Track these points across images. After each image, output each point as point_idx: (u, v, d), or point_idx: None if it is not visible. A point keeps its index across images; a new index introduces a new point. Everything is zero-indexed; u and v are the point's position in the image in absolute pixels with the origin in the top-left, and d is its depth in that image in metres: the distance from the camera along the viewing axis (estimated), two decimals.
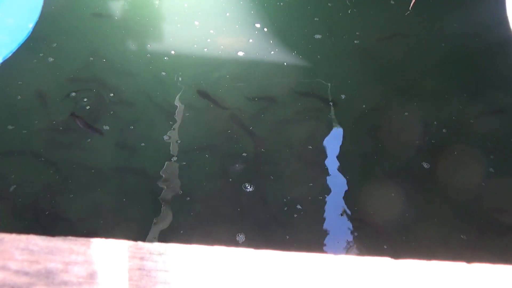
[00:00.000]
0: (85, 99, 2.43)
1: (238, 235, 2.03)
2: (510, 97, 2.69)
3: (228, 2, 3.05)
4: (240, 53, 2.75)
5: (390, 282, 0.81)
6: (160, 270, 0.80)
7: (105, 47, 2.74)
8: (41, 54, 2.60)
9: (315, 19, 3.04)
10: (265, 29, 2.88)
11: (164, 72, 2.63)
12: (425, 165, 2.31)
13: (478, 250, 2.02)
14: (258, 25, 2.90)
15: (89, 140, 2.28)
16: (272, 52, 2.78)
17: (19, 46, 2.31)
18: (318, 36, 2.92)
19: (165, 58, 2.70)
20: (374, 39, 2.94)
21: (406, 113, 2.55)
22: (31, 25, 2.39)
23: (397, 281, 0.81)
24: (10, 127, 2.29)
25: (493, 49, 2.90)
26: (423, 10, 3.05)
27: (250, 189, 2.18)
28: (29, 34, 2.38)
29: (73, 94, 2.44)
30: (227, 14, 2.97)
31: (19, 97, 2.41)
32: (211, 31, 2.87)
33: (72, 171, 2.19)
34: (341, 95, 2.63)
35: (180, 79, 2.62)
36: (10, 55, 2.27)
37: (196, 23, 2.91)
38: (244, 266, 0.83)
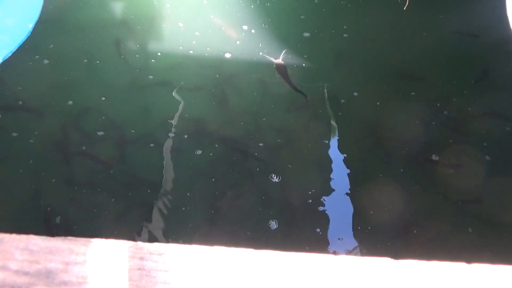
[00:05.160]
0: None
1: (270, 222, 2.05)
2: (510, 97, 2.69)
3: (213, 3, 3.03)
4: (228, 55, 2.73)
5: (390, 282, 0.81)
6: (160, 270, 0.80)
7: (100, 48, 2.73)
8: (37, 56, 2.60)
9: (301, 17, 3.02)
10: (253, 31, 2.86)
11: (151, 75, 2.62)
12: (434, 157, 2.32)
13: (478, 250, 2.02)
14: (245, 27, 2.88)
15: (83, 147, 2.28)
16: (261, 53, 2.77)
17: (19, 46, 2.31)
18: (306, 34, 2.91)
19: (152, 60, 2.68)
20: (366, 35, 2.93)
21: (404, 113, 2.55)
22: (31, 25, 2.40)
23: (397, 281, 0.81)
24: (14, 134, 2.29)
25: (493, 49, 2.90)
26: (421, 8, 3.05)
27: (277, 180, 2.19)
28: (29, 34, 2.38)
29: (70, 102, 2.44)
30: (211, 16, 2.95)
31: (20, 102, 2.41)
32: (197, 33, 2.85)
33: (72, 172, 2.19)
34: (337, 94, 2.63)
35: (169, 81, 2.61)
36: (10, 55, 2.27)
37: (181, 24, 2.89)
38: (244, 266, 0.83)
